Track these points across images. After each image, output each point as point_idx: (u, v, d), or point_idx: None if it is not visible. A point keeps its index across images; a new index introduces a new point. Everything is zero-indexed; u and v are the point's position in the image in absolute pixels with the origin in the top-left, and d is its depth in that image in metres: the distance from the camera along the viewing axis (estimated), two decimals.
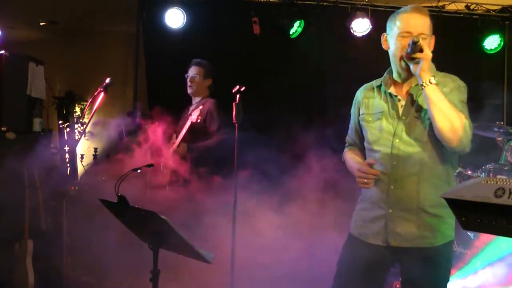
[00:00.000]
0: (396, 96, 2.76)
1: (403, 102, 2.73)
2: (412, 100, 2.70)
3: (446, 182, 2.68)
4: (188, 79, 5.24)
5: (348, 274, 2.81)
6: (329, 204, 4.50)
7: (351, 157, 2.96)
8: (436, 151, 2.63)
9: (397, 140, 2.67)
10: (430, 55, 2.53)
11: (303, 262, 4.42)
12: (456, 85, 2.67)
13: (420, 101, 2.65)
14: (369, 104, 2.85)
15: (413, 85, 2.70)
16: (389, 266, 2.86)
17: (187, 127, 4.91)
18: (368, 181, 2.68)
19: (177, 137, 5.06)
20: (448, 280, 2.72)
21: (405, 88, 2.75)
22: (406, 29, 2.62)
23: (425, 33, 2.61)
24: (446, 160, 2.68)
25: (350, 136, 3.09)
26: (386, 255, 2.74)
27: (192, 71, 5.24)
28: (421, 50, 2.51)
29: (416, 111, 2.67)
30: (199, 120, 4.83)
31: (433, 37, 2.70)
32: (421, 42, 2.49)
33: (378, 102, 2.81)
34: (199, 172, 4.91)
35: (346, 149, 3.10)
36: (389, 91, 2.78)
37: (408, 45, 2.54)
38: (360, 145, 2.98)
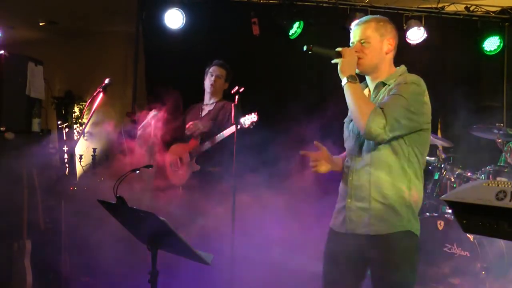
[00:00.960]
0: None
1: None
2: (373, 98, 2.91)
3: (401, 175, 2.78)
4: (212, 78, 5.17)
5: (329, 265, 2.97)
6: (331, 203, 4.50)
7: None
8: (387, 143, 2.76)
9: (359, 136, 2.87)
10: (349, 56, 2.81)
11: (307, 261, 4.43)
12: (403, 83, 2.79)
13: (378, 98, 2.86)
14: None
15: (375, 83, 2.93)
16: (357, 254, 2.88)
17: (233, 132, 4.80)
18: (313, 164, 2.96)
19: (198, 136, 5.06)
20: (404, 268, 2.77)
21: (372, 86, 2.98)
22: (351, 40, 2.96)
23: (363, 38, 2.88)
24: (398, 152, 2.78)
25: None
26: (351, 243, 2.86)
27: (217, 71, 5.20)
28: (339, 55, 2.81)
29: None
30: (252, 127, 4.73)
31: (389, 37, 2.92)
32: (338, 49, 2.82)
33: None
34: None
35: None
36: (364, 91, 3.00)
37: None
38: None
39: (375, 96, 2.90)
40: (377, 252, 2.77)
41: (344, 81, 2.79)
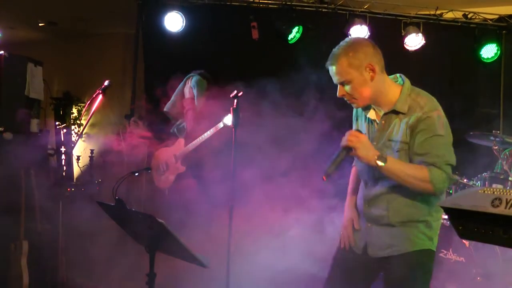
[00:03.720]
0: (374, 120, 2.84)
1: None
2: (384, 127, 2.76)
3: (418, 200, 2.72)
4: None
5: (335, 277, 3.00)
6: (331, 205, 4.52)
7: (348, 198, 3.12)
8: None
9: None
10: (360, 143, 2.61)
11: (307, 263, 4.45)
12: (425, 117, 2.63)
13: (392, 129, 2.72)
14: (358, 124, 2.97)
15: (382, 114, 2.77)
16: (368, 275, 2.95)
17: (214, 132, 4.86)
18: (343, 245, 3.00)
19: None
20: (422, 283, 2.79)
21: (380, 112, 2.81)
22: (334, 82, 2.74)
23: (343, 81, 2.68)
24: None
25: None
26: (365, 263, 2.89)
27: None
28: (349, 150, 2.63)
29: (388, 139, 2.74)
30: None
31: (366, 65, 2.65)
32: (344, 143, 2.64)
33: (363, 123, 2.92)
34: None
35: (352, 170, 3.20)
36: (368, 115, 2.86)
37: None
38: None
39: (386, 125, 2.74)
40: (396, 268, 2.77)
41: (378, 167, 2.60)
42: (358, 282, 2.94)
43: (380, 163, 2.58)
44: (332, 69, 2.70)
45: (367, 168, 2.80)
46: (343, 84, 2.69)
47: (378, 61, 2.70)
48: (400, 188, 2.68)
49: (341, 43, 2.73)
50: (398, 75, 2.84)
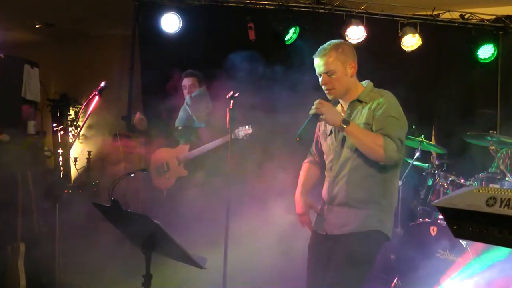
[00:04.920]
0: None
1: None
2: (350, 114, 3.17)
3: (374, 182, 3.10)
4: (186, 90, 5.34)
5: (309, 262, 3.31)
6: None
7: (299, 188, 3.43)
8: (364, 157, 3.04)
9: (338, 149, 3.18)
10: (327, 110, 2.99)
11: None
12: (384, 101, 3.06)
13: (356, 115, 3.13)
14: (325, 123, 3.29)
15: (348, 103, 3.20)
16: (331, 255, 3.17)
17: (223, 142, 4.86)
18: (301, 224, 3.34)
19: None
20: (365, 262, 3.09)
21: (345, 105, 3.24)
22: (316, 72, 3.19)
23: (328, 71, 3.10)
24: (375, 164, 3.04)
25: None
26: (326, 243, 3.19)
27: (189, 82, 5.34)
28: (317, 115, 3.00)
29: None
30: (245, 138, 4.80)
31: (350, 62, 3.13)
32: (312, 111, 3.01)
33: None
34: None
35: (305, 161, 3.58)
36: (337, 107, 3.26)
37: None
38: (318, 156, 3.50)
39: (351, 113, 3.16)
40: (343, 246, 3.09)
41: (341, 129, 2.99)
42: (326, 263, 3.15)
43: (344, 125, 2.93)
44: (321, 60, 3.12)
45: (334, 151, 3.20)
46: (327, 73, 3.10)
47: (356, 64, 3.18)
48: (358, 170, 3.08)
49: (331, 41, 3.18)
50: (365, 81, 3.26)
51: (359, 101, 3.15)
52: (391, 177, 3.15)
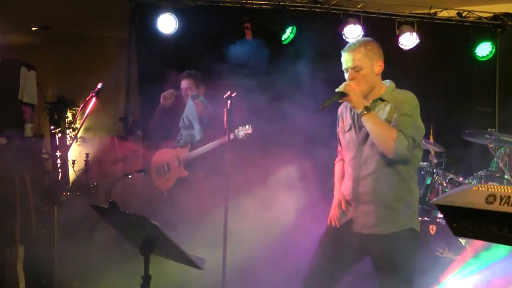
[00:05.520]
0: None
1: None
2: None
3: (401, 181, 3.13)
4: (183, 92, 5.40)
5: (324, 255, 3.27)
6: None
7: (336, 185, 3.45)
8: (386, 156, 3.05)
9: (360, 147, 3.19)
10: (354, 92, 3.04)
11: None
12: (404, 101, 3.11)
13: (377, 112, 3.13)
14: (343, 120, 3.36)
15: (371, 101, 3.18)
16: (350, 250, 3.20)
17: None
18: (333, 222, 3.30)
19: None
20: (409, 260, 3.14)
21: (367, 103, 3.18)
22: (343, 67, 3.21)
23: (356, 66, 3.13)
24: (398, 163, 3.08)
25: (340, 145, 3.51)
26: (349, 240, 3.19)
27: (185, 84, 5.41)
28: (344, 94, 3.04)
29: None
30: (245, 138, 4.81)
31: (377, 60, 3.18)
32: (340, 89, 3.04)
33: (349, 117, 3.30)
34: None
35: (336, 161, 3.57)
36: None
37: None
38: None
39: (373, 109, 3.12)
40: (382, 248, 3.10)
41: (361, 114, 3.04)
42: (343, 257, 3.21)
43: (365, 111, 3.00)
44: (348, 55, 3.15)
45: (355, 148, 3.20)
46: (354, 69, 3.12)
47: (383, 63, 3.21)
48: (384, 169, 3.09)
49: (360, 38, 3.42)
50: (387, 80, 3.28)
51: (381, 99, 3.18)
52: (414, 176, 3.21)
